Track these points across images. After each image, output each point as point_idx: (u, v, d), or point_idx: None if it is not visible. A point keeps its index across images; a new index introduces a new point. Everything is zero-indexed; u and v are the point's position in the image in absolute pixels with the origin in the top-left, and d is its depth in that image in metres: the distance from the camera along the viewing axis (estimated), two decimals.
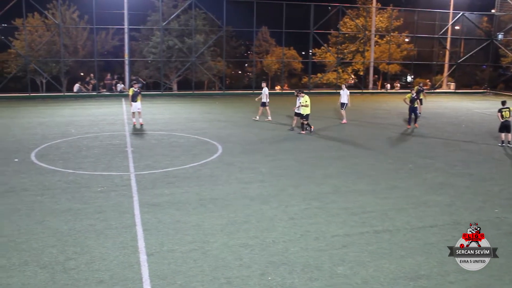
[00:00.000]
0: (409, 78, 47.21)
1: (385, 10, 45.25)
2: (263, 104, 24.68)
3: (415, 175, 14.91)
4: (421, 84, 29.13)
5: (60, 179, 13.43)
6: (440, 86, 45.16)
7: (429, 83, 44.65)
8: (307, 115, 21.11)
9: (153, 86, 38.08)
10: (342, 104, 24.66)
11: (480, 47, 44.32)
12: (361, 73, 43.76)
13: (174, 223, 10.33)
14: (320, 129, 22.52)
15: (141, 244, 9.21)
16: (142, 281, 7.82)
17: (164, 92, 36.13)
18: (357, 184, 13.71)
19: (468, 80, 46.52)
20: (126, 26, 35.94)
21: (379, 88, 45.56)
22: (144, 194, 12.26)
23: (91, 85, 35.64)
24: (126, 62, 36.59)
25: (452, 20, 43.68)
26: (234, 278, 8.01)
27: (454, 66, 44.65)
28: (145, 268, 8.25)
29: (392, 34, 43.91)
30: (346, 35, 45.27)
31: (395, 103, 34.81)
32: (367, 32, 42.67)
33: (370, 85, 44.03)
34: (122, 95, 34.58)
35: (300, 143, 19.17)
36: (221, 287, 7.70)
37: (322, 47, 44.40)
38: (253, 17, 36.66)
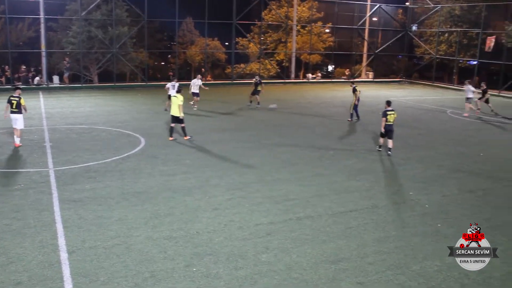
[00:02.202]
0: (330, 68, 48.38)
1: (306, 2, 46.00)
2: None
3: (336, 162, 15.42)
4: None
5: None
6: (359, 76, 46.67)
7: (349, 72, 46.04)
8: (182, 119, 17.70)
9: (73, 79, 36.64)
10: (467, 99, 25.84)
11: (396, 38, 46.30)
12: (286, 65, 44.34)
13: (96, 218, 10.12)
14: (244, 119, 22.70)
15: (61, 242, 8.96)
16: (63, 280, 7.63)
17: (84, 85, 34.88)
18: (281, 173, 14.00)
19: (385, 70, 48.47)
20: (42, 16, 34.34)
21: (301, 78, 46.34)
22: (64, 190, 11.89)
23: (4, 77, 33.87)
24: (43, 54, 35.01)
25: (369, 11, 45.19)
26: (158, 271, 7.98)
27: (372, 56, 46.32)
28: (66, 266, 8.04)
29: (313, 24, 44.74)
30: (269, 22, 45.57)
31: (315, 92, 35.67)
32: (289, 22, 43.22)
33: (292, 75, 44.72)
34: (39, 88, 33.11)
35: (224, 134, 19.24)
36: (146, 281, 7.66)
37: (246, 37, 44.54)
38: (176, 8, 36.21)
